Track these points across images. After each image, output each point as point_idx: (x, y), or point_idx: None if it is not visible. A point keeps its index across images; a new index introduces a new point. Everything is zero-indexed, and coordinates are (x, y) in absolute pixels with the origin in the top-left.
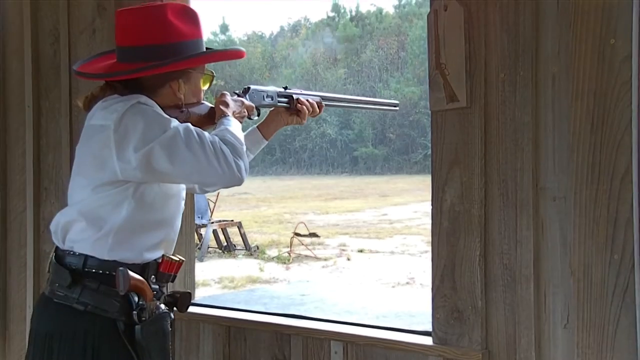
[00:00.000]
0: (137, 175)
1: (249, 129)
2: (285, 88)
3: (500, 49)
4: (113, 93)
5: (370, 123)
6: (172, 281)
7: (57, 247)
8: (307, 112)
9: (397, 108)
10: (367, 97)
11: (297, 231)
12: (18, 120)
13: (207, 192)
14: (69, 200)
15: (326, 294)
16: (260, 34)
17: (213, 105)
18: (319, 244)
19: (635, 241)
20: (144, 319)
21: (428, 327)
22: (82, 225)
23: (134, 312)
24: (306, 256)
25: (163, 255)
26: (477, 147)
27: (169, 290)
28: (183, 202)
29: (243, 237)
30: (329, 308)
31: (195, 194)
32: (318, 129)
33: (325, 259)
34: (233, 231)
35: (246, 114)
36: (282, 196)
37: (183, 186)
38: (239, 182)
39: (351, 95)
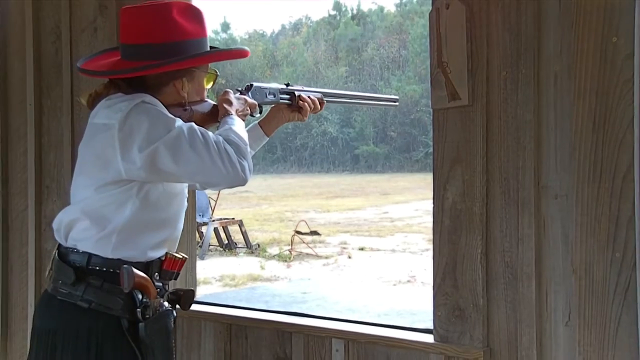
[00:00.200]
0: (141, 175)
1: (250, 125)
2: (287, 85)
3: (502, 47)
4: (117, 91)
5: (371, 121)
6: (176, 279)
7: (59, 245)
8: (308, 108)
9: (397, 103)
10: (367, 93)
11: (298, 229)
12: (20, 118)
13: (207, 188)
14: (71, 199)
15: (327, 292)
16: (261, 32)
17: (216, 103)
18: (320, 242)
19: (637, 239)
20: (147, 316)
21: (429, 325)
22: (86, 224)
23: (138, 309)
24: (307, 254)
25: (166, 253)
26: (479, 145)
27: (172, 288)
28: (186, 200)
29: (244, 235)
30: (331, 306)
31: (196, 191)
32: (319, 127)
33: (326, 257)
34: (234, 229)
35: (249, 111)
36: (283, 194)
37: (186, 184)
38: (243, 182)
39: (350, 91)
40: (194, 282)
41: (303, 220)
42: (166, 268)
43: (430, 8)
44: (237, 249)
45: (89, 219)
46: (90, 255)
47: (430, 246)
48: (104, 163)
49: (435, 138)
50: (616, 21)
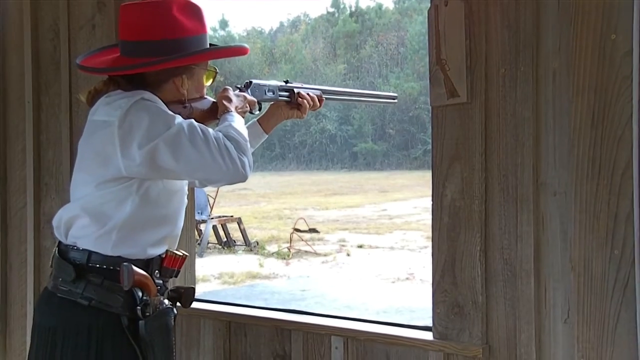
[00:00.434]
0: (141, 172)
1: (249, 123)
2: (287, 82)
3: (501, 45)
4: (116, 88)
5: (369, 119)
6: (176, 276)
7: (59, 242)
8: (307, 106)
9: (396, 100)
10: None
11: (297, 227)
12: (18, 115)
13: (207, 185)
14: (71, 196)
15: (326, 289)
16: (259, 29)
17: (216, 100)
18: (319, 239)
19: (636, 236)
20: (147, 314)
21: (428, 322)
22: (85, 221)
23: (138, 307)
24: (306, 252)
25: (167, 251)
26: (478, 143)
27: (172, 286)
28: (186, 197)
29: (243, 232)
30: (330, 303)
31: (195, 189)
32: (317, 125)
33: (325, 255)
34: (233, 227)
35: (248, 108)
36: (282, 192)
37: (186, 181)
38: (244, 178)
39: (349, 88)
40: (193, 280)
41: (302, 218)
42: (167, 265)
43: (429, 5)
44: (236, 246)
45: (89, 216)
46: (90, 252)
47: (429, 243)
48: (103, 160)
49: (434, 135)
50: (615, 18)
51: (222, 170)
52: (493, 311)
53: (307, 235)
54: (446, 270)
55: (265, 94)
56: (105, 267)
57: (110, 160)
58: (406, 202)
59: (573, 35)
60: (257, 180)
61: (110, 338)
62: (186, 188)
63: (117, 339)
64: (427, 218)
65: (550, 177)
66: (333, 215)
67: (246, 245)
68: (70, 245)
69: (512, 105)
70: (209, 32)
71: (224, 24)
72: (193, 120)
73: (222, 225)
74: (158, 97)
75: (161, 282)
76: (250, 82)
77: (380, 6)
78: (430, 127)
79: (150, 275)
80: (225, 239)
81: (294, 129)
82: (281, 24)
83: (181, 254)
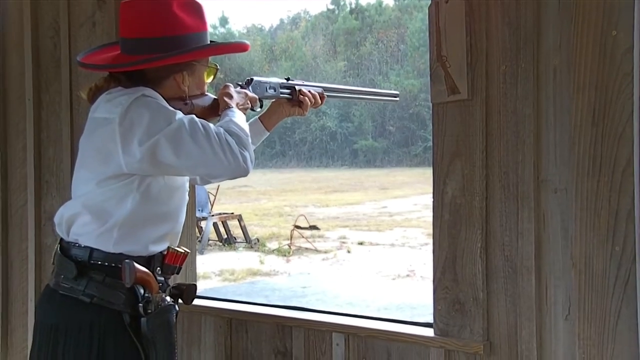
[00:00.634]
0: (142, 168)
1: (251, 120)
2: (288, 79)
3: (502, 42)
4: (117, 85)
5: (370, 116)
6: (178, 273)
7: (61, 239)
8: (309, 103)
9: (398, 99)
10: (367, 88)
11: (297, 224)
12: (18, 113)
13: (208, 182)
14: (72, 193)
15: (327, 286)
16: (259, 26)
17: (217, 97)
18: (319, 236)
19: (637, 233)
20: (149, 311)
21: (429, 319)
22: (87, 219)
23: (140, 304)
24: (306, 249)
25: (168, 248)
26: (479, 140)
27: (174, 283)
28: (187, 194)
29: (243, 229)
30: (331, 300)
31: (195, 186)
32: (318, 122)
33: (326, 252)
34: (233, 224)
35: (249, 105)
36: (282, 189)
37: (187, 178)
38: (245, 173)
39: (351, 86)
40: (194, 277)
41: (302, 215)
42: (168, 262)
43: (430, 2)
44: (237, 243)
45: (90, 214)
46: (92, 249)
47: (429, 240)
48: (104, 157)
49: (434, 132)
50: (615, 15)
51: (223, 165)
52: (494, 308)
53: (307, 232)
54: (447, 267)
55: (267, 91)
56: (107, 264)
57: (111, 158)
58: (406, 199)
59: (574, 32)
60: (257, 178)
61: (112, 335)
62: (187, 185)
63: (119, 336)
64: (428, 215)
65: (551, 174)
66: (333, 213)
67: (247, 242)
68: (72, 243)
69: (513, 102)
70: (209, 29)
71: (224, 21)
72: (194, 115)
73: (222, 222)
74: (159, 93)
75: (163, 279)
76: (252, 79)
77: (380, 3)
78: (430, 124)
79: (152, 272)
80: (225, 236)
81: (294, 127)
82: (281, 21)
83: (182, 251)
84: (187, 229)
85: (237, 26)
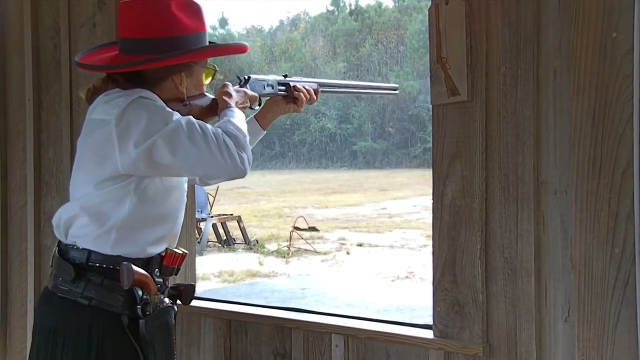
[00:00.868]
0: (139, 170)
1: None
2: (285, 76)
3: (502, 43)
4: (115, 86)
5: (369, 117)
6: (176, 274)
7: (59, 242)
8: (304, 99)
9: (397, 92)
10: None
11: (297, 225)
12: (19, 114)
13: (208, 184)
14: (70, 195)
15: (327, 287)
16: (259, 27)
17: (215, 97)
18: (318, 238)
19: (636, 235)
20: (148, 313)
21: (429, 321)
22: (85, 221)
23: (138, 306)
24: (305, 250)
25: (166, 249)
26: (478, 141)
27: (172, 283)
28: (185, 195)
29: (242, 231)
30: (330, 302)
31: (195, 187)
32: (317, 123)
33: (325, 253)
34: (232, 225)
35: (249, 104)
36: (282, 190)
37: (185, 179)
38: (243, 174)
39: (349, 81)
40: (194, 278)
41: (301, 216)
42: (166, 264)
43: (429, 4)
44: (236, 244)
45: (88, 216)
46: (89, 252)
47: (429, 242)
48: (101, 158)
49: (434, 134)
50: (616, 16)
51: (221, 166)
52: (493, 310)
53: (306, 234)
54: (447, 269)
55: (264, 88)
56: (105, 266)
57: (108, 159)
58: (406, 200)
59: (574, 33)
60: (256, 179)
61: (111, 337)
62: (185, 186)
63: (117, 339)
64: (427, 216)
65: (551, 176)
66: (333, 214)
67: (246, 243)
68: (70, 245)
69: (513, 103)
70: (209, 30)
71: (223, 22)
72: (191, 116)
73: (222, 223)
74: (157, 95)
75: (161, 280)
76: (249, 78)
77: (380, 4)
78: (430, 125)
79: (150, 274)
80: (225, 238)
81: (293, 128)
82: (281, 22)
83: (181, 252)
84: (186, 230)
85: (237, 27)
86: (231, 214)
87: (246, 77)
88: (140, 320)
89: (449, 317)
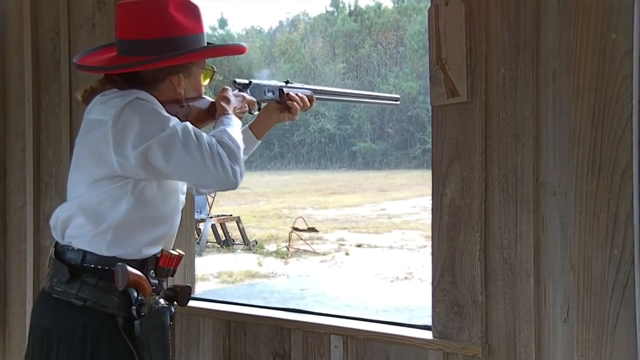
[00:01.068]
0: (136, 172)
1: (242, 129)
2: (287, 82)
3: (501, 44)
4: (113, 87)
5: (368, 118)
6: (172, 275)
7: (56, 243)
8: (297, 107)
9: (398, 102)
10: (366, 91)
11: (296, 226)
12: (18, 115)
13: (201, 193)
14: (68, 195)
15: (326, 288)
16: (258, 28)
17: (214, 100)
18: (318, 238)
19: (636, 236)
20: (143, 314)
21: (428, 322)
22: (81, 221)
23: (133, 307)
24: (305, 251)
25: (162, 250)
26: (478, 142)
27: (169, 285)
28: (184, 197)
29: (241, 231)
30: (329, 302)
31: None
32: (316, 124)
33: (324, 254)
34: (231, 226)
35: (247, 109)
36: (281, 191)
37: (183, 182)
38: (234, 186)
39: (350, 89)
40: (193, 278)
41: (300, 217)
42: (162, 265)
43: (428, 5)
44: (235, 245)
45: (85, 216)
46: (85, 252)
47: (428, 243)
48: (97, 159)
49: (434, 135)
50: (615, 18)
51: (212, 176)
52: (493, 310)
53: (305, 235)
54: (446, 270)
55: (265, 94)
56: (100, 267)
57: (105, 159)
58: (405, 201)
59: (573, 34)
60: (255, 180)
61: (106, 339)
62: (184, 188)
63: (112, 340)
64: (426, 217)
65: (550, 177)
66: (332, 215)
67: (245, 244)
68: (66, 246)
69: (512, 104)
70: (208, 31)
71: (223, 22)
72: (188, 123)
73: (221, 224)
74: (155, 96)
75: (157, 281)
76: (250, 82)
77: (379, 5)
78: (429, 126)
79: (146, 275)
80: (224, 238)
81: (292, 128)
82: (280, 23)
83: (177, 253)
84: (186, 231)
85: (236, 28)
86: (230, 215)
87: (247, 81)
88: (136, 321)
89: (448, 318)
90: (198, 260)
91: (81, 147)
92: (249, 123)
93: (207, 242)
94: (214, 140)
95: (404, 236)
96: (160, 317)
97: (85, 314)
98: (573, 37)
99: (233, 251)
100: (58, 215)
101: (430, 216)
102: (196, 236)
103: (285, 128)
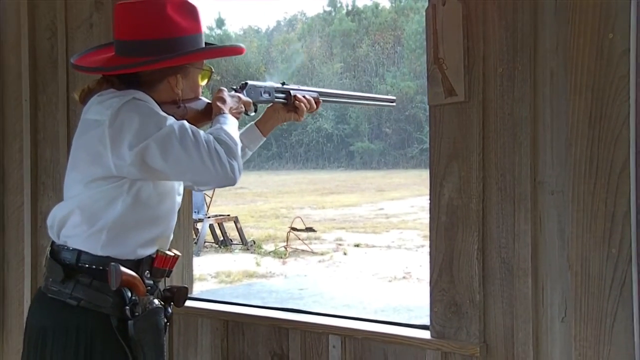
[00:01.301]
0: (132, 172)
1: (247, 126)
2: (283, 84)
3: (499, 44)
4: (110, 87)
5: (366, 118)
6: (168, 276)
7: (52, 242)
8: (304, 109)
9: (394, 104)
10: (364, 92)
11: (294, 226)
12: (15, 114)
13: (200, 190)
14: (64, 195)
15: (324, 288)
16: (256, 28)
17: (210, 101)
18: (315, 238)
19: (633, 235)
20: (136, 314)
21: (426, 321)
22: (77, 220)
23: (127, 307)
24: (302, 251)
25: (157, 251)
26: (476, 142)
27: (166, 285)
28: (180, 198)
29: (239, 231)
30: (327, 302)
31: None
32: (314, 124)
33: (322, 254)
34: (229, 226)
35: (243, 109)
36: (279, 191)
37: (180, 182)
38: (232, 182)
39: (348, 90)
40: (191, 279)
41: (298, 217)
42: (157, 266)
43: (426, 4)
44: (233, 245)
45: (81, 215)
46: (79, 252)
47: (426, 242)
48: (94, 159)
49: (431, 134)
50: (612, 17)
51: (210, 173)
52: (490, 310)
53: (303, 234)
54: (444, 269)
55: (261, 95)
56: (94, 267)
57: (101, 159)
58: (403, 201)
59: (570, 34)
60: (253, 179)
61: (100, 338)
62: (181, 189)
63: (106, 339)
64: (424, 217)
65: (548, 176)
66: (330, 214)
67: (243, 244)
68: (62, 246)
69: (510, 104)
70: (206, 31)
71: (220, 22)
72: (185, 122)
73: (218, 224)
74: (152, 97)
75: (152, 282)
76: (246, 84)
77: (376, 5)
78: (427, 126)
79: (141, 276)
80: (222, 238)
81: (290, 128)
82: (278, 22)
83: (172, 254)
84: (183, 231)
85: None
86: (228, 215)
87: (243, 83)
88: (129, 321)
89: (446, 318)
90: (196, 260)
91: (78, 146)
92: (255, 120)
93: (204, 242)
94: (211, 137)
95: (402, 236)
96: (154, 318)
97: (79, 314)
98: (570, 37)
99: (231, 251)
100: (55, 215)
101: (428, 216)
102: (194, 236)
103: (283, 128)
